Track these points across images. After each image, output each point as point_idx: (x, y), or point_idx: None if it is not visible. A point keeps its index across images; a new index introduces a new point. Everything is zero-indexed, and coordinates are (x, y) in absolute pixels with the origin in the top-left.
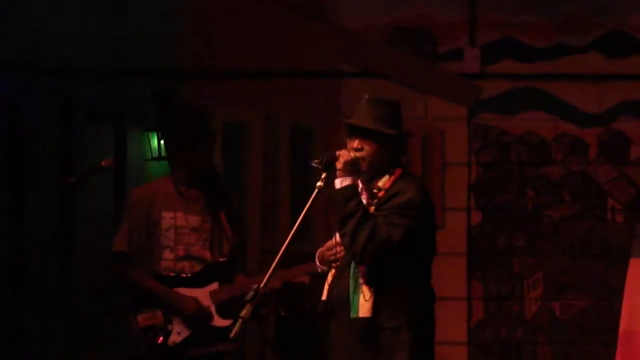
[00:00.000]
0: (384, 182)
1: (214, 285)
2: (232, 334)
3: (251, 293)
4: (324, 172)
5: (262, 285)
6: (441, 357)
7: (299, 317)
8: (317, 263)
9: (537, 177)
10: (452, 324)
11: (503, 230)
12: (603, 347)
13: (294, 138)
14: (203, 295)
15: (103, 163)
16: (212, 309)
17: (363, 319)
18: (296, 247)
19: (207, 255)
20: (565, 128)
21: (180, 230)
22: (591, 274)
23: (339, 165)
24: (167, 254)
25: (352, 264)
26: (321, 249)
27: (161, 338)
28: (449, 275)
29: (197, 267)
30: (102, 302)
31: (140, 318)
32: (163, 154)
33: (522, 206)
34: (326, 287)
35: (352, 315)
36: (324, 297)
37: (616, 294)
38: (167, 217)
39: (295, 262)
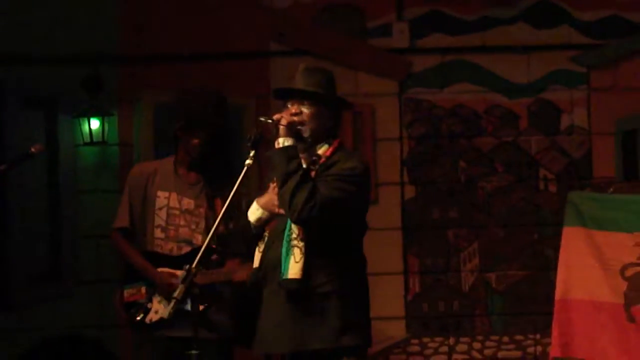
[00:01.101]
0: (323, 150)
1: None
2: (165, 315)
3: (183, 273)
4: (252, 149)
5: (193, 265)
6: (380, 332)
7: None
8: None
9: (469, 149)
10: (389, 298)
11: (437, 203)
12: (540, 316)
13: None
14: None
15: (33, 149)
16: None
17: (292, 279)
18: (229, 225)
19: (198, 239)
20: (496, 100)
21: (172, 211)
22: (526, 244)
23: (282, 123)
24: (158, 233)
25: (287, 227)
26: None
27: (140, 315)
28: (385, 250)
29: (185, 249)
30: (39, 291)
31: (126, 293)
32: (94, 139)
33: (455, 179)
34: (258, 255)
35: (282, 277)
36: (255, 265)
37: (551, 264)
38: (161, 197)
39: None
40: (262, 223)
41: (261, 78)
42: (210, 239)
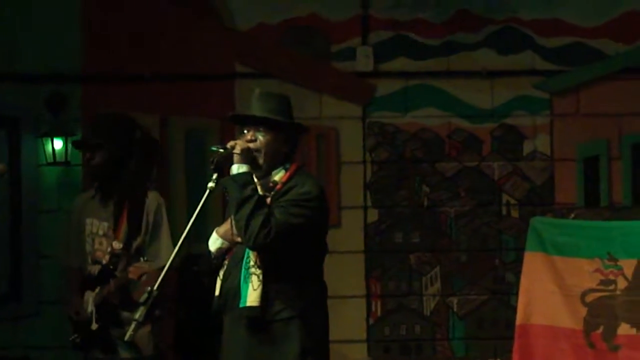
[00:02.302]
0: (280, 176)
1: (97, 290)
2: (126, 337)
3: (145, 295)
4: (215, 172)
5: (155, 287)
6: (341, 356)
7: (198, 319)
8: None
9: (432, 173)
10: (351, 321)
11: (400, 227)
12: (501, 341)
13: (189, 139)
14: (91, 299)
15: None
16: (92, 313)
17: (251, 307)
18: (191, 247)
19: (106, 258)
20: (459, 124)
21: (94, 236)
22: (487, 269)
23: (236, 150)
24: (88, 257)
25: (245, 255)
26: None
27: (72, 337)
28: (347, 274)
29: (96, 270)
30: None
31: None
32: (57, 159)
33: (418, 203)
34: (218, 282)
35: (241, 304)
36: (217, 293)
37: (512, 289)
38: (88, 223)
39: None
40: (222, 253)
41: (226, 100)
42: (174, 260)
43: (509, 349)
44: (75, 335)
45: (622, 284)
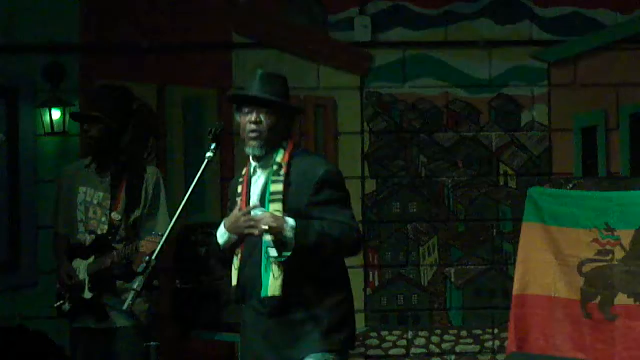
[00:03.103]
0: (281, 157)
1: (92, 259)
2: (124, 306)
3: (143, 265)
4: (213, 142)
5: (153, 257)
6: None
7: (195, 289)
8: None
9: (429, 143)
10: None
11: (397, 197)
12: (498, 311)
13: (187, 109)
14: (84, 267)
15: None
16: (86, 281)
17: (273, 297)
18: (189, 217)
19: (103, 229)
20: (457, 95)
21: (88, 205)
22: (485, 240)
23: (265, 229)
24: (80, 227)
25: (263, 245)
26: (231, 217)
27: (58, 303)
28: None
29: (88, 239)
30: None
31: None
32: (55, 129)
33: (415, 173)
34: (234, 273)
35: (263, 294)
36: (234, 283)
37: (510, 259)
38: (81, 192)
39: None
40: (231, 246)
41: (223, 70)
42: (171, 231)
43: (506, 319)
44: (61, 302)
45: (619, 254)
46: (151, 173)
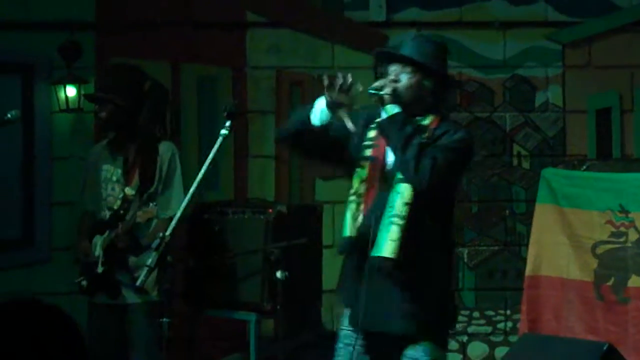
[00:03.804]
0: (428, 121)
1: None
2: (137, 282)
3: (156, 241)
4: (228, 119)
5: (167, 233)
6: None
7: (208, 267)
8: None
9: None
10: None
11: None
12: (511, 292)
13: (201, 87)
14: (100, 243)
15: (9, 115)
16: (100, 256)
17: (386, 258)
18: (203, 195)
19: (117, 204)
20: (471, 75)
21: (108, 182)
22: (498, 220)
23: (387, 90)
24: (103, 204)
25: (388, 203)
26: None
27: (79, 279)
28: None
29: (107, 215)
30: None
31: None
32: (70, 106)
33: None
34: (350, 221)
35: (374, 253)
36: (348, 233)
37: (523, 240)
38: (104, 169)
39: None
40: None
41: (237, 49)
42: (185, 207)
43: (519, 300)
44: (81, 278)
45: (633, 236)
46: (166, 149)
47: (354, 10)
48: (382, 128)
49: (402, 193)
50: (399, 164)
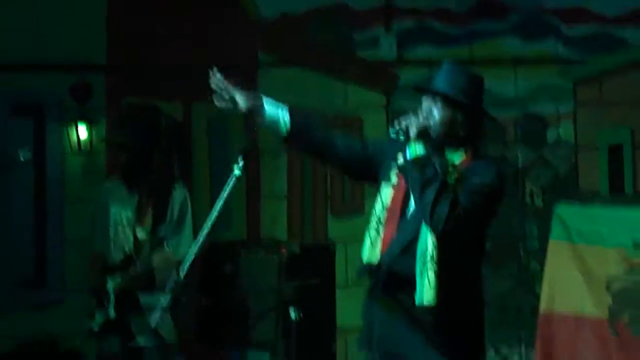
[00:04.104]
0: (459, 159)
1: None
2: (151, 323)
3: (170, 282)
4: (242, 160)
5: (181, 274)
6: None
7: (221, 306)
8: None
9: None
10: None
11: None
12: (525, 329)
13: (212, 127)
14: (111, 286)
15: (21, 156)
16: (111, 300)
17: (428, 307)
18: (216, 235)
19: (130, 246)
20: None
21: (119, 223)
22: (512, 257)
23: (411, 132)
24: (112, 245)
25: (423, 244)
26: None
27: (90, 323)
28: None
29: (119, 258)
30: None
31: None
32: (82, 147)
33: None
34: (369, 248)
35: (417, 301)
36: (367, 260)
37: (537, 277)
38: (113, 210)
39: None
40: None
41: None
42: (200, 249)
43: (533, 336)
44: (93, 322)
45: None
46: (179, 192)
47: (365, 48)
48: (402, 170)
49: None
50: (418, 207)
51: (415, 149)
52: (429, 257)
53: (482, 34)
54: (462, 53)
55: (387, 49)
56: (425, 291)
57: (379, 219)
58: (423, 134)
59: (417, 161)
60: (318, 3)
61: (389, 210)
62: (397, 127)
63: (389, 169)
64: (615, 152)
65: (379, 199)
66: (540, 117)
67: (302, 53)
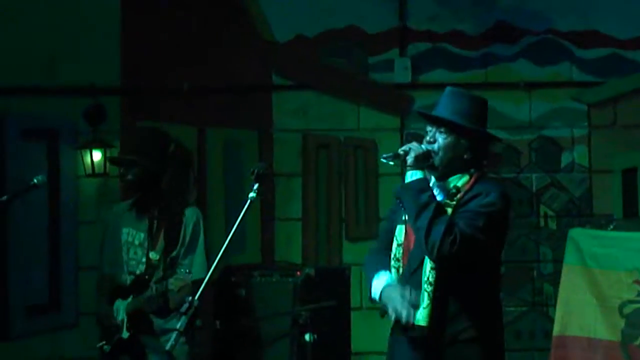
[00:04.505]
0: (463, 182)
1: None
2: (167, 346)
3: (185, 305)
4: (256, 183)
5: (196, 297)
6: None
7: (235, 330)
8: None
9: None
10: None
11: None
12: (537, 352)
13: (227, 150)
14: (123, 307)
15: (35, 180)
16: (124, 321)
17: (419, 327)
18: (230, 258)
19: (141, 269)
20: (497, 136)
21: (129, 245)
22: (525, 281)
23: (408, 159)
24: (124, 267)
25: (426, 266)
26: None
27: (101, 343)
28: None
29: (129, 279)
30: (37, 322)
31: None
32: (96, 171)
33: None
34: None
35: (416, 322)
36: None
37: (550, 300)
38: (124, 233)
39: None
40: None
41: (263, 111)
42: (213, 271)
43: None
44: (103, 342)
45: None
46: (191, 214)
47: (380, 72)
48: (398, 195)
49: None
50: (415, 232)
51: (412, 175)
52: (425, 279)
53: (497, 58)
54: (476, 77)
55: (401, 72)
56: (419, 312)
57: (395, 255)
58: (421, 160)
59: (413, 186)
60: (332, 26)
61: (404, 246)
62: (392, 153)
63: (401, 212)
64: (629, 176)
65: (394, 238)
66: (554, 141)
67: (316, 76)
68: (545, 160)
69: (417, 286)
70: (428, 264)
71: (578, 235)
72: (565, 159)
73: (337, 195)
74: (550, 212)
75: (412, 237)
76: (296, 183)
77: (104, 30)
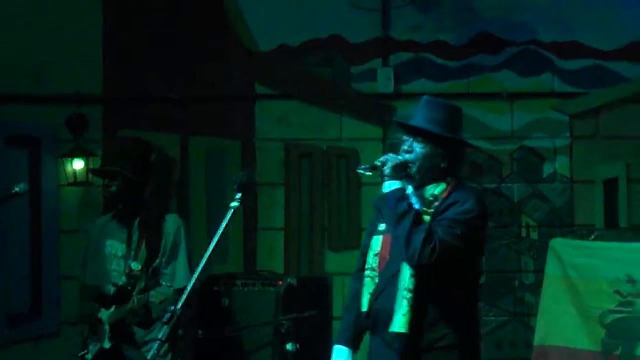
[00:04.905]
0: (440, 190)
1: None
2: (149, 356)
3: (168, 314)
4: (238, 192)
5: (178, 306)
6: None
7: (217, 339)
8: None
9: None
10: None
11: None
12: None
13: (210, 160)
14: (105, 318)
15: (17, 189)
16: (107, 331)
17: (398, 334)
18: (213, 267)
19: (124, 280)
20: (479, 146)
21: (111, 257)
22: (507, 291)
23: (386, 169)
24: (107, 278)
25: (401, 276)
26: None
27: (85, 352)
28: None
29: (112, 290)
30: (19, 331)
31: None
32: (78, 180)
33: None
34: (366, 298)
35: (390, 329)
36: (364, 309)
37: (532, 310)
38: (108, 245)
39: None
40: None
41: (246, 121)
42: (196, 280)
43: None
44: (85, 352)
45: None
46: (172, 222)
47: (362, 82)
48: (377, 205)
49: (408, 265)
50: (393, 240)
51: (391, 186)
52: (405, 285)
53: (479, 68)
54: (459, 87)
55: (384, 82)
56: (399, 319)
57: (372, 265)
58: (398, 170)
59: (392, 196)
60: (315, 36)
61: (381, 255)
62: (368, 165)
63: (377, 223)
64: (611, 186)
65: (370, 249)
66: (536, 151)
67: (299, 85)
68: (527, 171)
69: (394, 294)
70: (407, 272)
71: (559, 245)
72: (547, 170)
73: (319, 204)
74: (532, 223)
75: (389, 247)
76: (279, 192)
77: (87, 39)
